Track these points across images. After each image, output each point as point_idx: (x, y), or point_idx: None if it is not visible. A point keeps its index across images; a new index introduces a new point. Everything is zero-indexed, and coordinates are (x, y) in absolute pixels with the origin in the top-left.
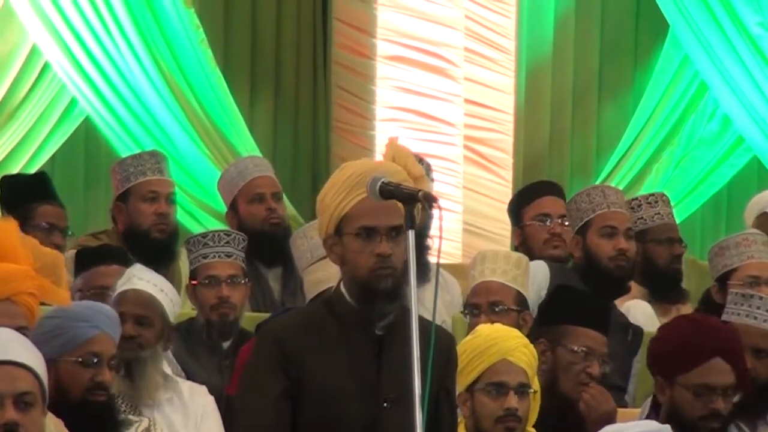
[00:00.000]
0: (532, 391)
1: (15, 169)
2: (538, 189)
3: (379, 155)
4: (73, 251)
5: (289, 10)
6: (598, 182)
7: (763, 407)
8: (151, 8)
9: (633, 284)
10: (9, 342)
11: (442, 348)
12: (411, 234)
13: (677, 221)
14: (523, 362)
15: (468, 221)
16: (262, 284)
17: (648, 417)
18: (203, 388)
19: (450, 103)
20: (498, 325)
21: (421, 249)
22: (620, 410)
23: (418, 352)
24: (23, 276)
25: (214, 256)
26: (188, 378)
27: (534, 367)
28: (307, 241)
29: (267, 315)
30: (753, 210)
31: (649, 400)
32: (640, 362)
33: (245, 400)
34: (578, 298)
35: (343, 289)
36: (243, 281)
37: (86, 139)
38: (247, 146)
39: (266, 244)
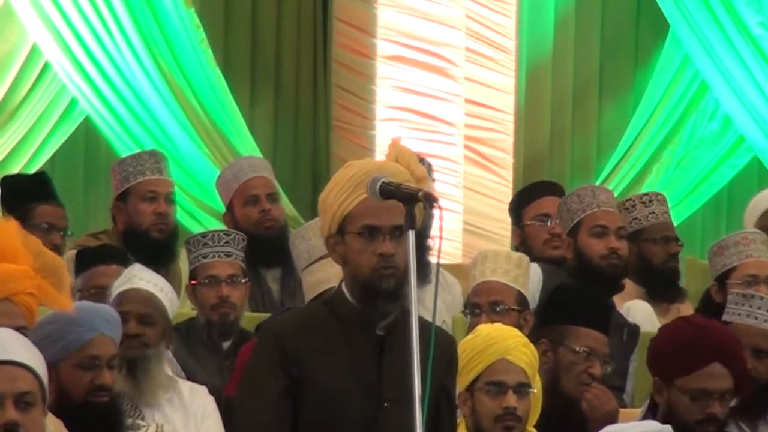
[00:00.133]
0: (531, 390)
1: (15, 169)
2: (539, 189)
3: (379, 155)
4: (74, 251)
5: (289, 10)
6: (598, 182)
7: (764, 407)
8: (151, 8)
9: (631, 284)
10: (9, 342)
11: (443, 350)
12: (411, 234)
13: (678, 221)
14: (522, 362)
15: (468, 221)
16: (261, 285)
17: (645, 417)
18: (203, 389)
19: (450, 103)
20: (498, 325)
21: (422, 249)
22: (621, 410)
23: (419, 353)
24: (22, 276)
25: (214, 256)
26: (188, 378)
27: (534, 367)
28: (305, 241)
29: (266, 315)
30: (757, 209)
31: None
32: (636, 360)
33: (245, 398)
34: (579, 298)
35: (344, 289)
36: (243, 281)
37: (86, 139)
38: (247, 146)
39: (262, 246)
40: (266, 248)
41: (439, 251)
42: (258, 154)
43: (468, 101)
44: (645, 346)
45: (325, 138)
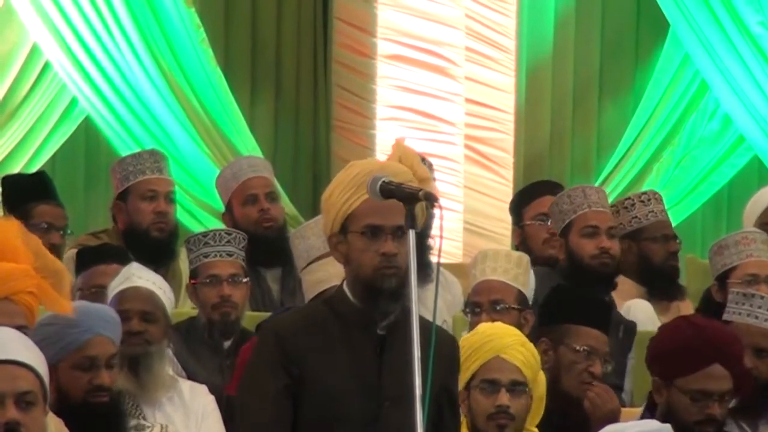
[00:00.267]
0: (527, 389)
1: (15, 169)
2: (538, 189)
3: (379, 154)
4: (74, 250)
5: (289, 10)
6: (598, 181)
7: (765, 406)
8: (151, 7)
9: (631, 283)
10: (10, 341)
11: (445, 351)
12: (412, 234)
13: (678, 220)
14: (517, 360)
15: (469, 220)
16: (261, 284)
17: (643, 416)
18: (203, 388)
19: (451, 103)
20: (496, 324)
21: (423, 249)
22: (622, 409)
23: (419, 352)
24: (22, 275)
25: (215, 255)
26: (189, 378)
27: (532, 366)
28: (304, 241)
29: (266, 315)
30: (757, 206)
31: None
32: (635, 358)
33: (246, 398)
34: (579, 297)
35: (345, 288)
36: (244, 280)
37: (87, 138)
38: (248, 145)
39: (261, 246)
40: (265, 248)
41: (440, 250)
42: (258, 153)
43: (468, 101)
44: (645, 345)
45: (326, 137)
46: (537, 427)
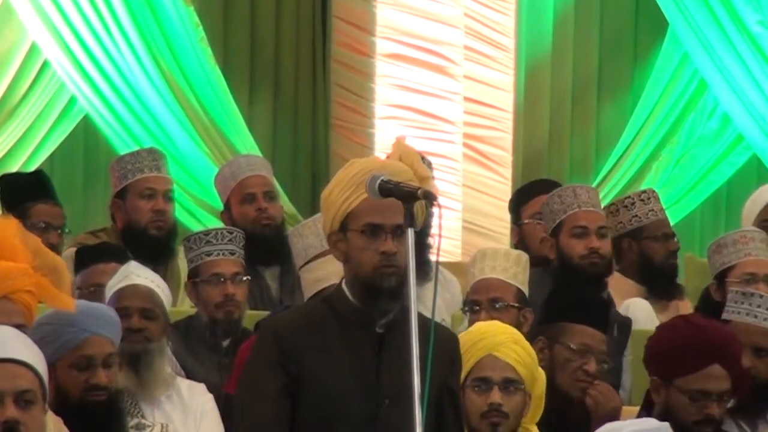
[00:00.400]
0: (521, 387)
1: (14, 168)
2: (537, 188)
3: (378, 153)
4: (73, 249)
5: (288, 8)
6: (597, 180)
7: (764, 406)
8: (150, 6)
9: (630, 282)
10: (9, 340)
11: (445, 348)
12: (410, 232)
13: (677, 219)
14: (510, 358)
15: (468, 219)
16: (260, 282)
17: (640, 415)
18: (202, 386)
19: (449, 101)
20: (491, 322)
21: (423, 248)
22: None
23: (418, 351)
24: (21, 274)
25: (218, 254)
26: (187, 376)
27: (527, 364)
28: (302, 239)
29: (265, 313)
30: (756, 204)
31: None
32: (632, 354)
33: (244, 397)
34: (577, 296)
35: (344, 286)
36: (245, 278)
37: (85, 137)
38: (247, 144)
39: (259, 245)
40: (264, 246)
41: (438, 249)
42: (257, 152)
43: (467, 99)
44: (643, 344)
45: (325, 136)
46: (537, 425)
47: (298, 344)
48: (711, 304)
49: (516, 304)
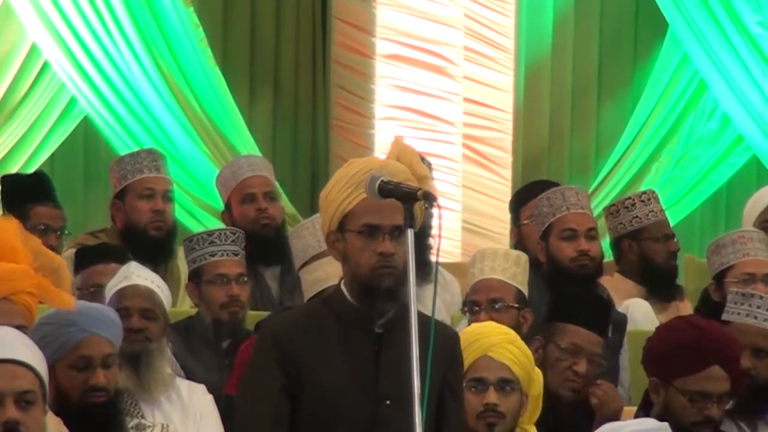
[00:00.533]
0: (518, 387)
1: (14, 168)
2: (536, 189)
3: (378, 154)
4: (73, 250)
5: (288, 9)
6: (597, 181)
7: (763, 406)
8: (150, 7)
9: (630, 283)
10: (10, 340)
11: (444, 345)
12: (410, 233)
13: (677, 220)
14: (505, 358)
15: (467, 220)
16: (260, 283)
17: (637, 415)
18: (202, 387)
19: (449, 102)
20: (487, 322)
21: (423, 248)
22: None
23: (418, 350)
24: (22, 275)
25: (222, 255)
26: (187, 377)
27: (523, 364)
28: (301, 240)
29: (265, 314)
30: (757, 205)
31: None
32: (629, 351)
33: (245, 397)
34: (575, 297)
35: (343, 287)
36: (247, 279)
37: (85, 138)
38: (247, 145)
39: (259, 245)
40: (264, 246)
41: (438, 250)
42: (257, 153)
43: (467, 100)
44: (642, 344)
45: (324, 137)
46: (535, 425)
47: (298, 345)
48: (710, 305)
49: (516, 305)
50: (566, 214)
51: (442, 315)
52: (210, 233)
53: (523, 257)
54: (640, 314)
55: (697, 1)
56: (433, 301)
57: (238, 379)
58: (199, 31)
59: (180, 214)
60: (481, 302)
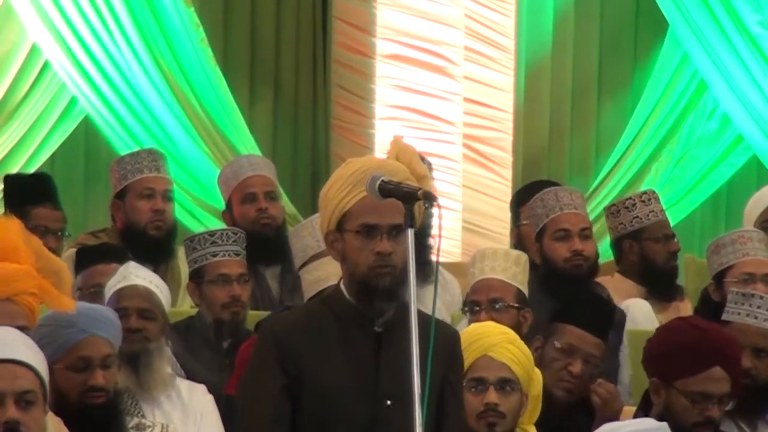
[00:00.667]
0: (518, 387)
1: (15, 168)
2: (535, 189)
3: (378, 154)
4: (73, 250)
5: (288, 9)
6: (597, 181)
7: (763, 406)
8: (151, 7)
9: (631, 283)
10: (11, 340)
11: (445, 343)
12: (410, 233)
13: (677, 220)
14: (506, 358)
15: (467, 220)
16: (261, 283)
17: (636, 415)
18: (202, 387)
19: (449, 102)
20: (486, 323)
21: (423, 248)
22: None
23: (418, 350)
24: (24, 276)
25: (224, 255)
26: (188, 377)
27: (523, 364)
28: (300, 239)
29: (266, 313)
30: (758, 205)
31: None
32: (629, 347)
33: (245, 397)
34: (575, 299)
35: (342, 286)
36: (248, 279)
37: (86, 137)
38: (247, 145)
39: (260, 244)
40: (264, 246)
41: (438, 250)
42: (257, 152)
43: (467, 100)
44: (642, 345)
45: (325, 137)
46: (535, 425)
47: (298, 345)
48: (710, 305)
49: (516, 305)
50: (559, 214)
51: (443, 315)
52: (211, 233)
53: (523, 257)
54: (640, 314)
55: (697, 1)
56: (434, 301)
57: (239, 379)
58: (200, 30)
59: (180, 214)
60: (481, 302)
